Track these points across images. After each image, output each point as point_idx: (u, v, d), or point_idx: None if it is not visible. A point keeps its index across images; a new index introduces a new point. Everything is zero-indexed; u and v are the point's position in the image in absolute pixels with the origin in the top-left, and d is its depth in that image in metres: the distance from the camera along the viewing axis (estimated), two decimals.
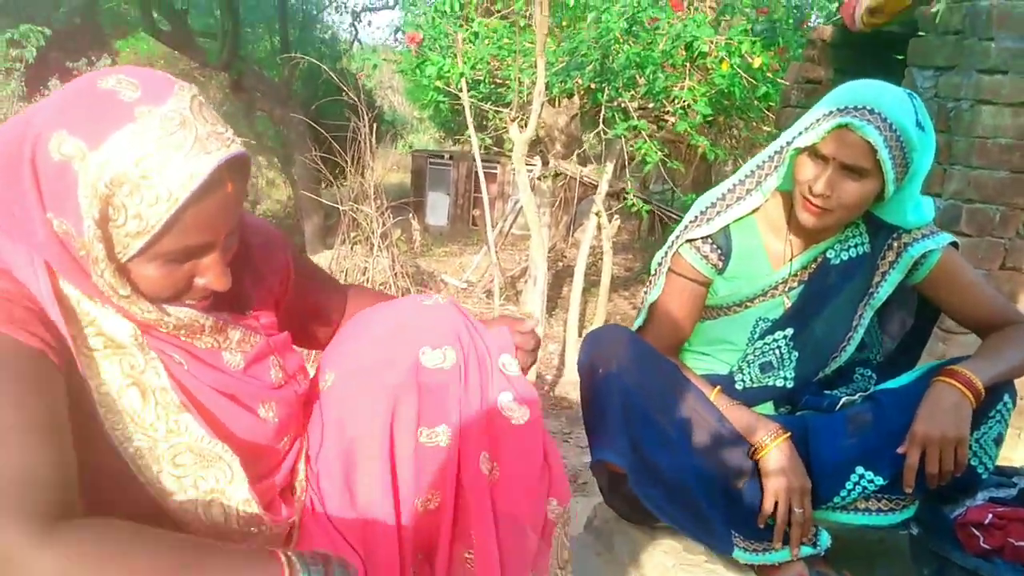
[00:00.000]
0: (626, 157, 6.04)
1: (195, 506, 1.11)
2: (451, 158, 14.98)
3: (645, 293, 2.06)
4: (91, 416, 1.05)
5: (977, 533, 1.84)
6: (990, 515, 1.84)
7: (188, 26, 13.31)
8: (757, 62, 5.79)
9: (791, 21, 5.87)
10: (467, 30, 5.70)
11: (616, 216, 6.57)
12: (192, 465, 1.10)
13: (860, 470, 1.87)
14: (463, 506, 1.34)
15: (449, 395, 1.30)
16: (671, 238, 1.99)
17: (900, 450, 1.79)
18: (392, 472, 1.28)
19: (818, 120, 1.78)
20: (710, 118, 6.45)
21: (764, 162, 1.92)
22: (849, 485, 1.88)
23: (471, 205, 14.81)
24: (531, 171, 7.67)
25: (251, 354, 1.23)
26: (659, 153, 5.51)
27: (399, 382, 1.27)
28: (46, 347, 0.99)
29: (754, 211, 1.93)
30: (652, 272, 2.06)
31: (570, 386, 6.79)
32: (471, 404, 1.32)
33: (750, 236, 1.94)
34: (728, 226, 1.93)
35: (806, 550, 1.87)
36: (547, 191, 8.82)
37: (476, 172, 6.02)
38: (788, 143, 1.85)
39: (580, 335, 7.03)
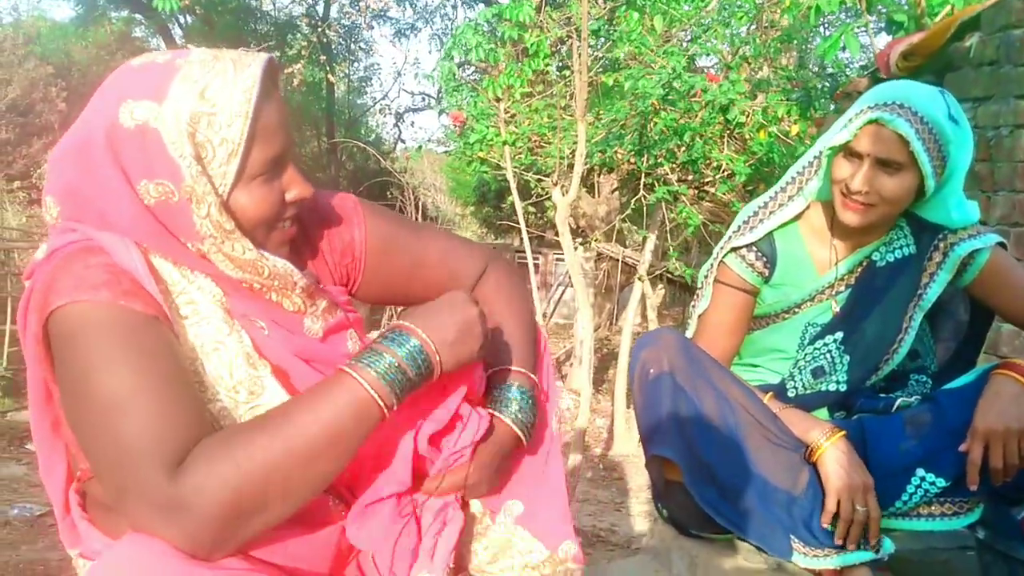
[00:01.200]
0: (667, 227, 6.12)
1: None
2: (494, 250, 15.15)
3: (692, 306, 2.08)
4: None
5: None
6: None
7: None
8: (794, 129, 5.88)
9: (826, 89, 5.99)
10: (510, 101, 5.88)
11: (661, 285, 6.61)
12: None
13: (921, 472, 1.83)
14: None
15: None
16: (716, 249, 2.02)
17: (963, 447, 1.75)
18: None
19: (850, 120, 1.82)
20: (750, 187, 6.53)
21: (804, 168, 1.96)
22: (911, 488, 1.84)
23: None
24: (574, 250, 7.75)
25: (332, 324, 1.29)
26: (700, 216, 5.59)
27: None
28: (159, 313, 1.08)
29: (796, 218, 1.96)
30: (699, 284, 2.08)
31: (619, 458, 6.71)
32: None
33: (794, 242, 1.96)
34: (772, 234, 1.95)
35: (868, 555, 1.82)
36: (589, 272, 8.91)
37: (518, 260, 6.13)
38: (825, 146, 1.89)
39: (628, 408, 6.98)
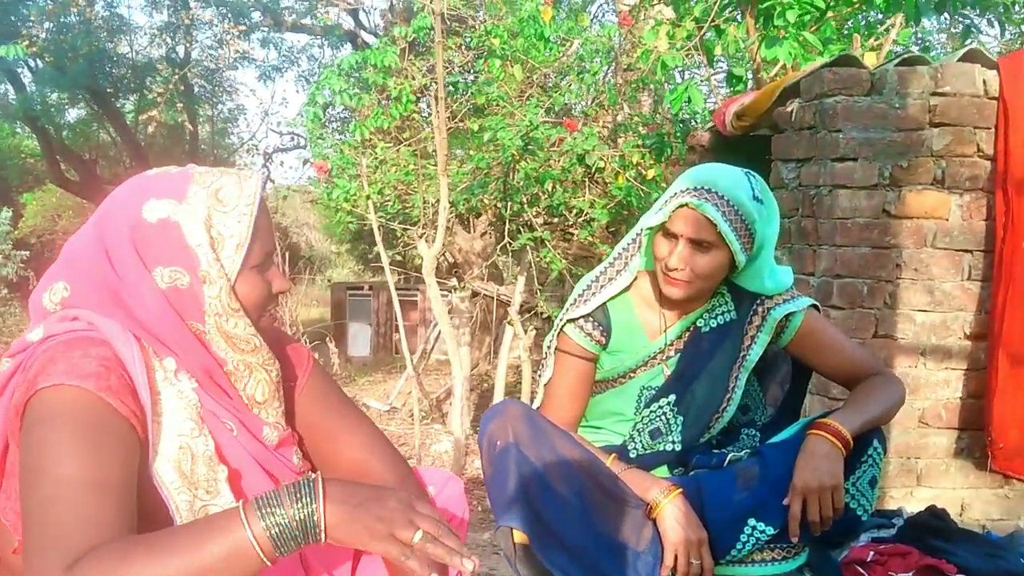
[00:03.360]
0: (535, 269, 6.27)
1: None
2: (371, 288, 15.07)
3: (538, 375, 2.19)
4: (149, 470, 1.24)
5: (862, 571, 1.96)
6: (871, 553, 1.97)
7: (97, 175, 13.39)
8: (651, 173, 6.14)
9: (678, 134, 6.26)
10: (372, 157, 5.94)
11: (532, 327, 6.76)
12: None
13: (752, 521, 1.98)
14: None
15: None
16: (557, 321, 2.14)
17: (785, 502, 1.91)
18: None
19: (666, 202, 1.98)
20: (612, 228, 6.76)
21: (628, 245, 2.10)
22: (744, 537, 1.98)
23: (393, 333, 14.84)
24: (447, 295, 7.82)
25: (284, 436, 1.43)
26: (563, 261, 5.76)
27: None
28: (132, 417, 1.20)
29: (627, 289, 2.09)
30: (544, 355, 2.19)
31: None
32: None
33: (626, 312, 2.10)
34: (606, 304, 2.08)
35: None
36: (466, 311, 8.98)
37: (394, 302, 6.17)
38: (644, 226, 2.04)
39: None
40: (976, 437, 3.27)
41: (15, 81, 12.30)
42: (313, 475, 1.15)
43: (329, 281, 18.10)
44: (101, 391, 1.17)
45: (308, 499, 1.10)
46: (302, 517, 1.09)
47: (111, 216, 1.30)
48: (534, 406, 2.13)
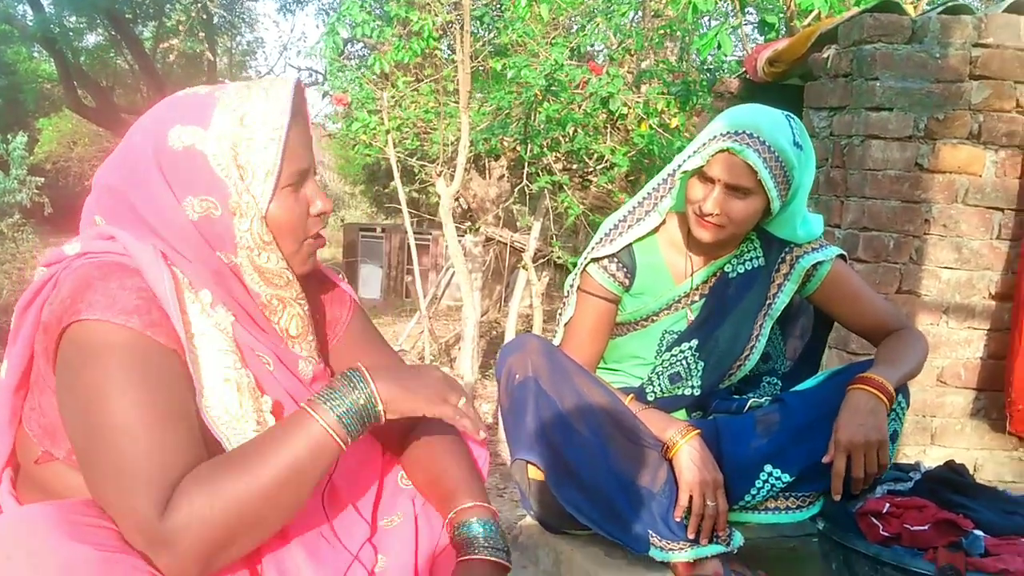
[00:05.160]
0: (550, 216, 6.22)
1: None
2: (383, 231, 15.02)
3: (559, 314, 2.16)
4: (197, 406, 1.22)
5: (876, 522, 1.93)
6: (887, 504, 1.94)
7: (114, 102, 13.32)
8: (674, 122, 6.05)
9: (704, 83, 6.15)
10: (392, 92, 5.86)
11: (545, 275, 6.72)
12: None
13: (768, 468, 1.96)
14: None
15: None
16: (580, 260, 2.10)
17: (826, 459, 1.85)
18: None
19: (704, 144, 1.91)
20: (632, 177, 6.69)
21: (659, 185, 2.05)
22: (759, 483, 1.97)
23: (404, 276, 14.84)
24: (460, 239, 7.77)
25: (318, 370, 1.41)
26: (581, 206, 5.70)
27: None
28: (177, 347, 1.18)
29: (654, 231, 2.05)
30: (565, 293, 2.15)
31: (503, 444, 6.80)
32: None
33: (652, 254, 2.05)
34: (631, 245, 2.03)
35: (719, 548, 1.94)
36: (479, 256, 8.95)
37: (409, 242, 6.13)
38: (679, 167, 1.98)
39: None
40: (994, 398, 3.25)
41: (33, 1, 12.16)
42: (356, 367, 1.23)
43: (342, 221, 18.03)
44: (146, 328, 1.15)
45: (362, 385, 1.20)
46: (363, 401, 1.19)
47: (138, 143, 1.25)
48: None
